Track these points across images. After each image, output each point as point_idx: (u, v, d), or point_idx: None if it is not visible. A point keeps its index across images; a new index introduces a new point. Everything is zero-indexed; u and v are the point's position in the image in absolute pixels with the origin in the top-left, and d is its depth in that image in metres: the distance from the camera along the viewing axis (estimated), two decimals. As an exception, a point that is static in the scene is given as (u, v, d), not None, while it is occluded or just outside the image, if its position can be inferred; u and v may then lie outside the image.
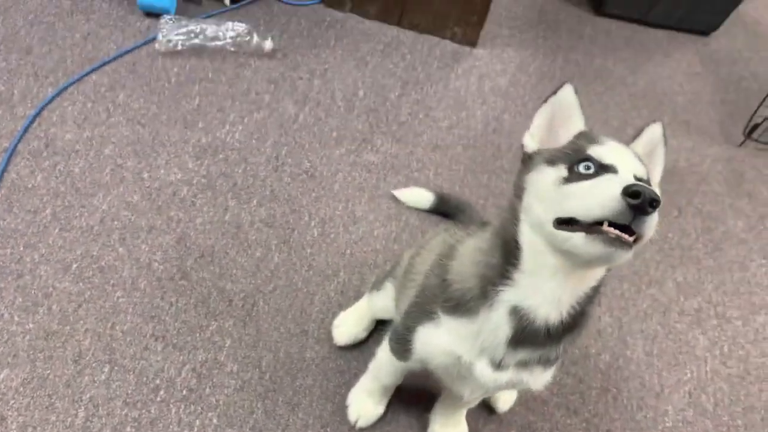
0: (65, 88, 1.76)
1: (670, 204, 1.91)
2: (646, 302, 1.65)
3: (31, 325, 1.32)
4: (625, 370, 1.51)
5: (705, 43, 2.60)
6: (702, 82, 2.40)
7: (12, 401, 1.21)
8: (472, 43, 2.25)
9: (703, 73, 2.44)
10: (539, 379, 0.94)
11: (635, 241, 0.70)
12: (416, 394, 1.34)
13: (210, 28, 1.93)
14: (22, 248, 1.43)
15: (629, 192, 0.67)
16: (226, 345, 1.36)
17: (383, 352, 1.16)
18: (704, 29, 2.61)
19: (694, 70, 2.44)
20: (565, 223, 0.74)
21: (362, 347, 1.40)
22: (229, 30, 1.93)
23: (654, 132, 0.87)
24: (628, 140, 0.87)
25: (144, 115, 1.75)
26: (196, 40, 1.91)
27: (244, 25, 1.95)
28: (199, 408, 1.27)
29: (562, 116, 0.87)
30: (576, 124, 0.86)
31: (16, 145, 1.61)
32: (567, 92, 0.86)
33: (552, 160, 0.80)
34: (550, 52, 2.34)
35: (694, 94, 2.34)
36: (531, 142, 0.87)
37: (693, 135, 2.17)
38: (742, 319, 1.68)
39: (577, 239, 0.71)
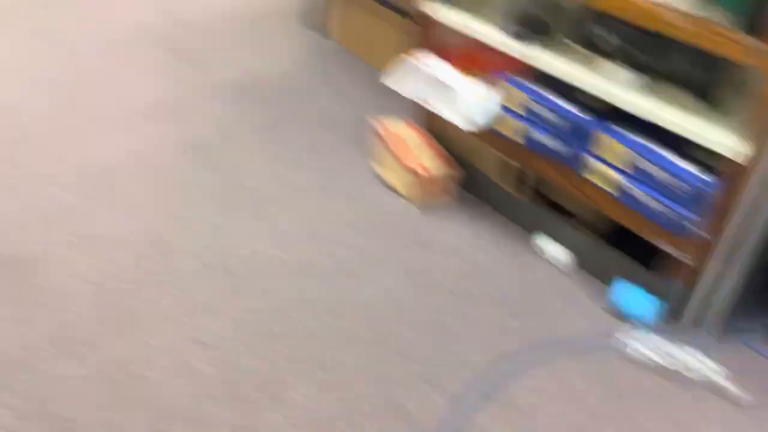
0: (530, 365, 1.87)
1: None
2: None
3: None
4: None
5: None
6: None
7: None
8: None
9: None
10: None
11: None
12: None
13: (683, 356, 1.85)
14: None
15: None
16: None
17: None
18: None
19: None
20: None
21: None
22: (705, 366, 1.83)
23: None
24: None
25: (593, 413, 1.72)
26: (668, 362, 1.85)
27: (720, 367, 1.82)
28: None
29: None
30: None
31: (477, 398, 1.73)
32: None
33: None
34: None
35: None
36: None
37: None
38: None
39: None
